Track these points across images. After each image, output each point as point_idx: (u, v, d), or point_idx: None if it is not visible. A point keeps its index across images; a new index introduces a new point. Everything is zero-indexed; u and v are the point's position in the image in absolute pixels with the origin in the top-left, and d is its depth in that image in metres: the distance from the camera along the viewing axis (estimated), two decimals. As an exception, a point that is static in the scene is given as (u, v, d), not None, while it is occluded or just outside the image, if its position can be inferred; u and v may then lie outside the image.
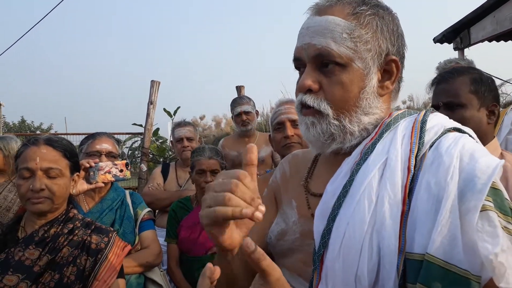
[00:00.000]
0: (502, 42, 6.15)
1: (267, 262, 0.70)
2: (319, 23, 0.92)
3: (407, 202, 0.78)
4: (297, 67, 0.99)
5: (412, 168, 0.81)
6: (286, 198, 1.07)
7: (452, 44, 6.06)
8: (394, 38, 0.94)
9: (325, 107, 0.92)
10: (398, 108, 1.01)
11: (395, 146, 0.85)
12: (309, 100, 0.93)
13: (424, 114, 0.92)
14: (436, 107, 1.71)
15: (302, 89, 0.94)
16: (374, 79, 0.92)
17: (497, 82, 7.51)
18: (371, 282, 0.76)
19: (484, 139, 1.66)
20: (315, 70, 0.93)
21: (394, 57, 0.94)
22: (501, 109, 2.75)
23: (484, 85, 1.68)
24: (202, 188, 2.66)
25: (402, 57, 0.97)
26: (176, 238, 2.68)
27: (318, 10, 0.94)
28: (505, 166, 1.48)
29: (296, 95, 0.98)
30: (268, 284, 0.71)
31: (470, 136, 0.88)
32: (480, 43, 5.79)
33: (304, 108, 0.96)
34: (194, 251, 2.60)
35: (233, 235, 0.79)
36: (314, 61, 0.93)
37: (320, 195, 0.92)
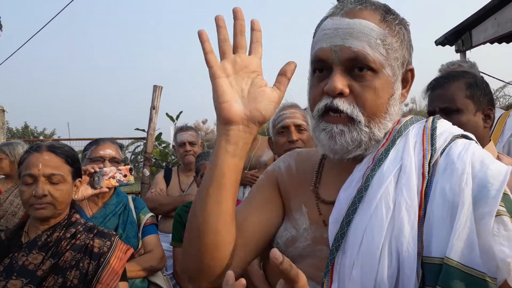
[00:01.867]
0: (504, 44, 6.14)
1: (295, 271, 0.69)
2: (351, 25, 0.89)
3: (423, 207, 0.81)
4: (317, 69, 0.94)
5: (426, 174, 0.83)
6: (295, 202, 1.04)
7: (454, 46, 6.05)
8: (411, 48, 0.97)
9: (358, 114, 0.89)
10: (404, 114, 1.01)
11: (409, 153, 0.87)
12: (341, 104, 0.89)
13: (433, 121, 0.94)
14: (432, 112, 1.71)
15: (332, 92, 0.89)
16: (400, 87, 0.94)
17: (499, 84, 7.52)
18: (391, 286, 0.78)
19: (481, 143, 1.66)
20: (344, 74, 0.90)
21: (412, 67, 0.97)
22: (503, 111, 2.75)
23: (479, 89, 1.68)
24: None
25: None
26: (182, 241, 2.68)
27: (348, 13, 0.91)
28: None
29: (315, 98, 0.94)
30: None
31: (476, 142, 0.91)
32: (482, 45, 5.79)
33: (330, 112, 0.91)
34: None
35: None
36: (345, 64, 0.89)
37: (331, 203, 0.92)
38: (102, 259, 1.62)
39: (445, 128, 0.92)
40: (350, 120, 0.89)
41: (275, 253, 0.67)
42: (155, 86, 6.72)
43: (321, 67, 0.92)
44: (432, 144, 0.87)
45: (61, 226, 1.65)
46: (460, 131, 0.93)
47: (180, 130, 3.55)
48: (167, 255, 2.63)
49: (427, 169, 0.84)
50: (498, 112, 2.71)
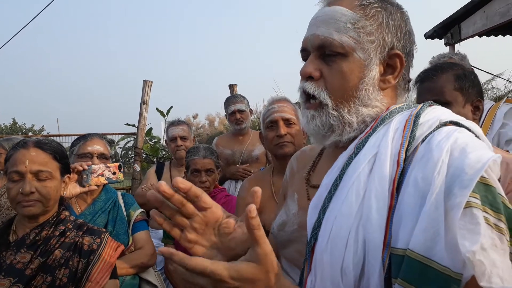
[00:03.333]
0: (492, 37, 6.18)
1: (261, 233, 0.71)
2: (326, 12, 0.94)
3: (395, 196, 0.78)
4: (304, 58, 1.00)
5: (401, 162, 0.80)
6: (290, 191, 1.11)
7: (443, 39, 6.08)
8: (401, 34, 0.95)
9: (325, 97, 0.93)
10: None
11: (386, 140, 0.85)
12: (309, 87, 0.94)
13: (421, 107, 0.91)
14: None
15: (303, 75, 0.96)
16: (374, 70, 0.93)
17: (488, 76, 7.58)
18: (356, 275, 0.77)
19: None
20: (317, 58, 0.95)
21: (398, 52, 0.94)
22: (493, 102, 2.78)
23: (468, 81, 1.68)
24: None
25: (408, 55, 0.97)
26: (173, 238, 2.67)
27: (329, 2, 0.97)
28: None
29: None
30: (256, 257, 0.71)
31: (470, 130, 0.86)
32: (471, 38, 5.82)
33: (307, 100, 0.97)
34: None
35: None
36: (317, 50, 0.94)
37: (318, 186, 0.93)
38: (92, 256, 1.61)
39: (434, 115, 0.89)
40: (320, 105, 0.94)
41: (251, 207, 0.71)
42: (145, 81, 6.68)
43: (304, 55, 0.99)
44: (412, 131, 0.84)
45: (49, 223, 1.62)
46: (450, 117, 0.89)
47: (171, 124, 3.53)
48: (157, 250, 2.62)
49: (403, 156, 0.81)
50: (488, 104, 2.74)
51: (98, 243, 1.65)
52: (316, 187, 0.97)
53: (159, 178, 3.45)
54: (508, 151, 2.50)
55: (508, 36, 6.24)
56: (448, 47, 5.97)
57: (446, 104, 1.65)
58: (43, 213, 1.61)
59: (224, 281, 0.70)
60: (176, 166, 3.49)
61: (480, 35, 5.78)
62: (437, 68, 1.75)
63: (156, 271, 2.38)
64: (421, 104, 0.93)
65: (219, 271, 0.69)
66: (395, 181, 0.79)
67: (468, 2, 5.35)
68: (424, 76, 1.74)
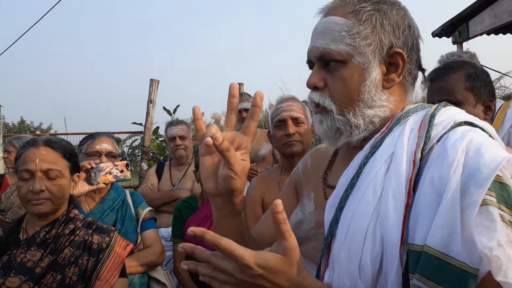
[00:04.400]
0: (500, 35, 6.14)
1: (287, 227, 0.76)
2: (322, 24, 0.98)
3: (412, 195, 0.80)
4: (311, 68, 1.04)
5: (417, 161, 0.83)
6: (306, 190, 1.13)
7: (450, 38, 6.04)
8: (399, 31, 0.96)
9: (329, 103, 0.97)
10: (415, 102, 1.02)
11: (402, 140, 0.87)
12: (315, 97, 0.99)
13: (435, 108, 0.93)
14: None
15: (309, 87, 1.00)
16: (375, 72, 0.95)
17: (496, 75, 7.53)
18: (374, 271, 0.80)
19: None
20: (321, 69, 0.99)
21: (398, 50, 0.95)
22: (503, 101, 2.75)
23: (480, 81, 1.65)
24: None
25: (411, 49, 0.98)
26: (182, 237, 2.68)
27: (325, 12, 1.00)
28: None
29: None
30: (282, 250, 0.76)
31: (483, 130, 0.88)
32: (479, 37, 5.78)
33: (315, 106, 1.01)
34: None
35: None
36: (319, 61, 0.99)
37: (335, 187, 0.96)
38: (101, 255, 1.61)
39: (448, 115, 0.91)
40: (324, 110, 0.98)
41: (278, 202, 0.75)
42: (151, 80, 6.69)
43: (310, 66, 1.03)
44: (428, 131, 0.86)
45: (59, 222, 1.63)
46: (464, 117, 0.91)
47: (170, 124, 3.54)
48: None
49: (419, 156, 0.83)
50: (498, 103, 2.70)
51: (108, 241, 1.66)
52: (333, 187, 1.00)
53: (159, 178, 3.46)
54: (517, 150, 2.48)
55: (517, 34, 6.18)
56: (456, 45, 5.93)
57: (456, 104, 1.63)
58: (53, 211, 1.62)
59: (250, 267, 0.73)
60: (176, 165, 3.50)
61: (488, 33, 5.74)
62: (448, 67, 1.72)
63: (164, 270, 2.38)
64: (436, 105, 0.94)
65: (247, 256, 0.73)
66: (412, 180, 0.81)
67: (476, 0, 5.31)
68: (435, 75, 1.71)
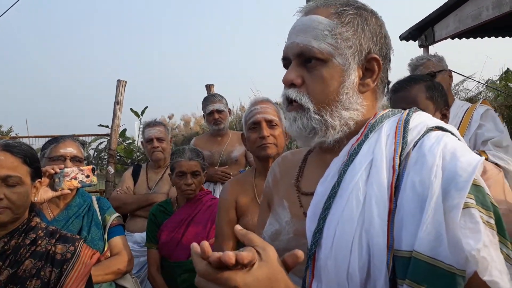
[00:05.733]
0: (464, 39, 6.35)
1: (249, 236, 0.76)
2: (304, 22, 0.98)
3: (394, 200, 0.82)
4: (285, 66, 1.03)
5: (396, 167, 0.85)
6: (277, 198, 1.10)
7: (417, 41, 6.19)
8: (377, 39, 0.98)
9: (306, 101, 0.95)
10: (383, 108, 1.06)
11: (380, 146, 0.88)
12: (292, 93, 0.97)
13: (407, 114, 0.96)
14: None
15: (285, 83, 0.98)
16: (353, 75, 0.96)
17: (460, 78, 7.78)
18: (362, 278, 0.80)
19: None
20: (299, 66, 0.98)
21: (375, 56, 0.97)
22: (470, 104, 2.83)
23: (437, 91, 1.84)
24: (183, 191, 2.57)
25: (385, 58, 1.01)
26: (156, 243, 2.59)
27: (305, 11, 1.01)
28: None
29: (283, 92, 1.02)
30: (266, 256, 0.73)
31: (453, 134, 0.92)
32: (444, 41, 5.95)
33: (289, 104, 1.00)
34: (176, 256, 2.51)
35: None
36: (298, 58, 0.97)
37: (311, 194, 0.95)
38: (65, 266, 1.52)
39: (420, 120, 0.94)
40: (300, 107, 0.97)
41: (237, 227, 0.76)
42: (118, 81, 6.52)
43: (286, 64, 1.02)
44: (404, 137, 0.89)
45: (19, 231, 1.52)
46: (436, 122, 0.94)
47: (147, 125, 3.41)
48: (134, 255, 2.54)
49: (398, 162, 0.85)
50: (465, 106, 2.79)
51: (72, 251, 1.57)
52: (308, 194, 1.01)
53: (135, 181, 3.35)
54: (484, 151, 2.56)
55: (479, 38, 6.42)
56: (422, 49, 6.09)
57: None
58: (13, 220, 1.51)
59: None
60: (153, 168, 3.40)
61: (452, 37, 5.92)
62: (410, 79, 1.93)
63: (133, 277, 2.30)
64: (407, 110, 0.98)
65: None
66: (393, 186, 0.83)
67: (441, 5, 5.46)
68: (398, 86, 1.89)
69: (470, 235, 0.73)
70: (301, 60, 0.97)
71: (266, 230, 1.07)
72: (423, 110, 1.70)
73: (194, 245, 0.72)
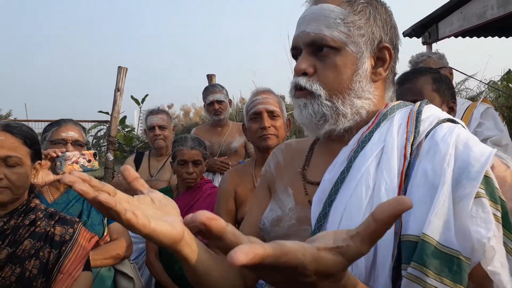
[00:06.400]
0: (467, 38, 6.34)
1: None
2: (314, 11, 0.97)
3: (403, 188, 0.82)
4: (294, 56, 1.02)
5: (408, 155, 0.85)
6: (281, 185, 1.09)
7: (421, 38, 6.18)
8: (387, 28, 0.99)
9: (317, 88, 0.94)
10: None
11: (392, 135, 0.89)
12: (303, 81, 0.96)
13: (419, 105, 0.96)
14: None
15: (297, 72, 0.97)
16: (366, 63, 0.96)
17: (462, 77, 7.77)
18: (367, 266, 0.79)
19: None
20: (310, 55, 0.97)
21: (387, 44, 0.98)
22: (470, 102, 2.83)
23: (444, 84, 1.82)
24: (184, 179, 2.57)
25: (395, 48, 1.00)
26: None
27: (314, 1, 0.99)
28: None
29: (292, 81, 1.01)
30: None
31: (463, 126, 0.92)
32: (447, 38, 5.94)
33: (297, 90, 0.98)
34: None
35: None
36: (309, 47, 0.96)
37: (317, 183, 0.95)
38: (64, 247, 1.53)
39: (431, 112, 0.94)
40: (311, 94, 0.96)
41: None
42: (119, 68, 6.50)
43: (295, 53, 1.01)
44: (416, 126, 0.89)
45: (19, 212, 1.53)
46: (446, 115, 0.95)
47: (150, 113, 3.39)
48: (133, 241, 2.55)
49: (409, 150, 0.85)
50: (465, 103, 2.79)
51: (71, 233, 1.58)
52: (314, 183, 0.99)
53: (137, 168, 3.35)
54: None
55: (483, 38, 6.40)
56: (425, 46, 6.08)
57: None
58: (12, 201, 1.51)
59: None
60: (155, 156, 3.39)
61: (456, 35, 5.91)
62: (416, 71, 1.90)
63: (131, 263, 2.32)
64: (419, 102, 0.98)
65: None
66: (403, 174, 0.83)
67: (446, 2, 5.44)
68: (405, 78, 1.87)
69: (481, 224, 0.73)
70: (312, 49, 0.96)
71: (267, 216, 1.06)
72: (429, 101, 1.72)
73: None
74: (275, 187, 1.11)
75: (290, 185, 1.05)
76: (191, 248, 0.80)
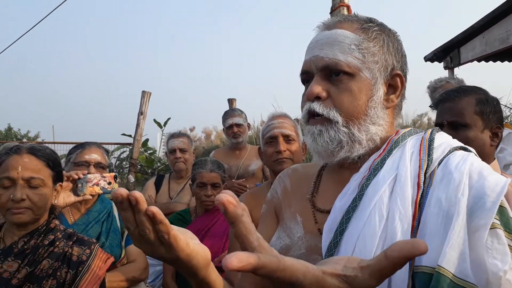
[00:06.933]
0: (491, 62, 6.25)
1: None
2: (328, 35, 0.96)
3: (417, 217, 0.80)
4: (304, 81, 1.01)
5: (422, 184, 0.83)
6: (289, 212, 1.06)
7: (442, 63, 6.14)
8: (399, 56, 0.99)
9: (335, 115, 0.93)
10: (402, 126, 1.02)
11: (405, 163, 0.87)
12: (318, 107, 0.94)
13: (431, 132, 0.95)
14: (440, 125, 1.70)
15: (310, 96, 0.95)
16: (381, 89, 0.95)
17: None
18: None
19: (486, 161, 1.65)
20: (323, 80, 0.95)
21: (399, 72, 0.98)
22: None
23: (490, 107, 1.67)
24: (202, 202, 2.60)
25: (405, 76, 1.00)
26: None
27: (328, 26, 0.99)
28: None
29: (302, 106, 0.99)
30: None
31: (475, 155, 0.90)
32: (470, 63, 5.88)
33: (311, 117, 0.96)
34: None
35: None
36: (322, 71, 0.95)
37: (327, 211, 0.93)
38: (81, 268, 1.56)
39: (443, 140, 0.93)
40: (327, 120, 0.94)
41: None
42: (143, 92, 6.67)
43: (306, 78, 0.99)
44: (429, 154, 0.88)
45: (39, 232, 1.58)
46: (458, 143, 0.93)
47: (171, 136, 3.47)
48: (149, 263, 2.57)
49: (423, 179, 0.84)
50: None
51: (88, 254, 1.61)
52: (323, 211, 0.97)
53: (157, 190, 3.40)
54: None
55: (506, 62, 6.31)
56: (447, 70, 6.02)
57: (464, 126, 1.65)
58: (33, 221, 1.56)
59: None
60: (175, 178, 3.44)
61: (479, 60, 5.84)
62: (460, 90, 1.75)
63: (147, 286, 2.32)
64: (430, 130, 0.97)
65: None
66: (417, 203, 0.81)
67: (468, 27, 5.41)
68: (446, 96, 1.74)
69: (497, 256, 0.71)
70: (326, 74, 0.95)
71: (274, 244, 1.02)
72: (470, 125, 1.65)
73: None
74: (283, 214, 1.08)
75: (298, 213, 1.03)
76: (216, 274, 0.80)
